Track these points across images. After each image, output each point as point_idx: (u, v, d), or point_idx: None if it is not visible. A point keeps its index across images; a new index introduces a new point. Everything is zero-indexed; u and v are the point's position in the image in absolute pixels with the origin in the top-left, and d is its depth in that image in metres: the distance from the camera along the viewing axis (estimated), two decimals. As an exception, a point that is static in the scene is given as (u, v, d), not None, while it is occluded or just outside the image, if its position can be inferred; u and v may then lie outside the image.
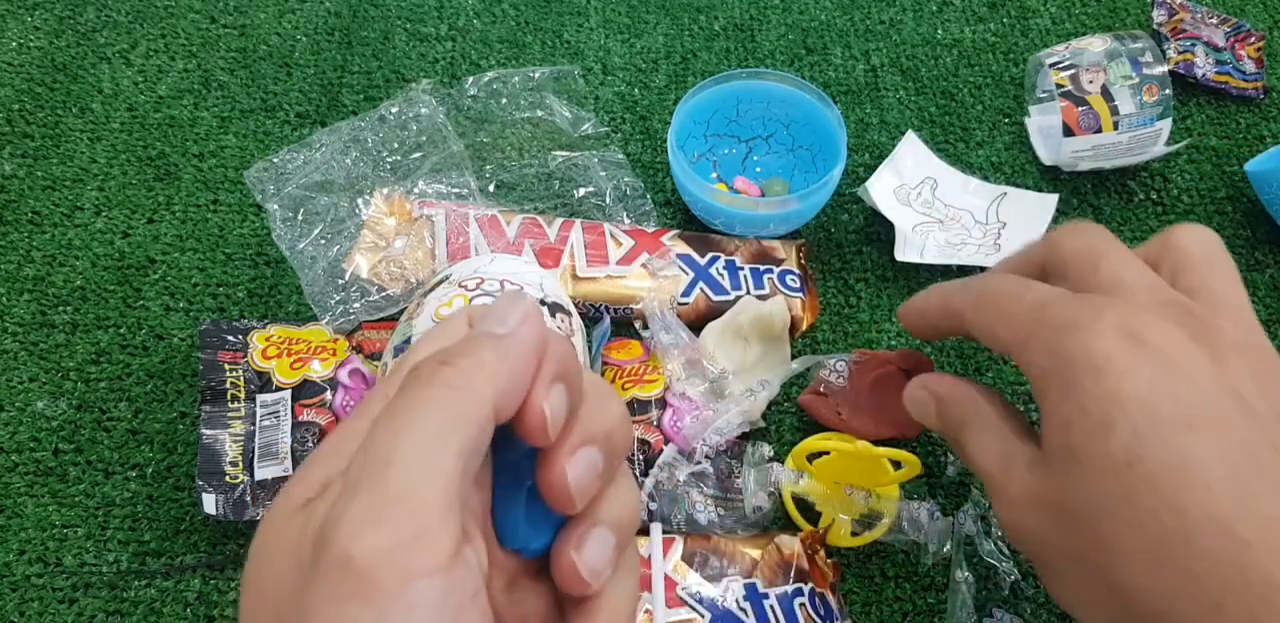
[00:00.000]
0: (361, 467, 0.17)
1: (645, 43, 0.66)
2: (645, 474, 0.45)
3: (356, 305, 0.49)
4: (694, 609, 0.39)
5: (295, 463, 0.44)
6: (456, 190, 0.54)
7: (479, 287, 0.43)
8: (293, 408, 0.45)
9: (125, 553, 0.45)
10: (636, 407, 0.46)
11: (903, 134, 0.58)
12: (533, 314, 0.20)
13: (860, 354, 0.45)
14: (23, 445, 0.48)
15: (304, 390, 0.46)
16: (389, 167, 0.56)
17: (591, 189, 0.56)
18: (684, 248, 0.52)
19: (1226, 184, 0.59)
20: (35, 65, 0.62)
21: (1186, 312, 0.27)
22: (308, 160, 0.55)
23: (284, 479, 0.44)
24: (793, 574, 0.41)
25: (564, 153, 0.57)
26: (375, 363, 0.48)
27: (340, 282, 0.49)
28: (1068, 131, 0.56)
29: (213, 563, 0.44)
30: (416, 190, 0.54)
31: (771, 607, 0.40)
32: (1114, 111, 0.55)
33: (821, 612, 0.40)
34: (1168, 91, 0.55)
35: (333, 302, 0.49)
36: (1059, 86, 0.56)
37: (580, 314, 0.48)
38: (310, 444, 0.44)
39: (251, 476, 0.44)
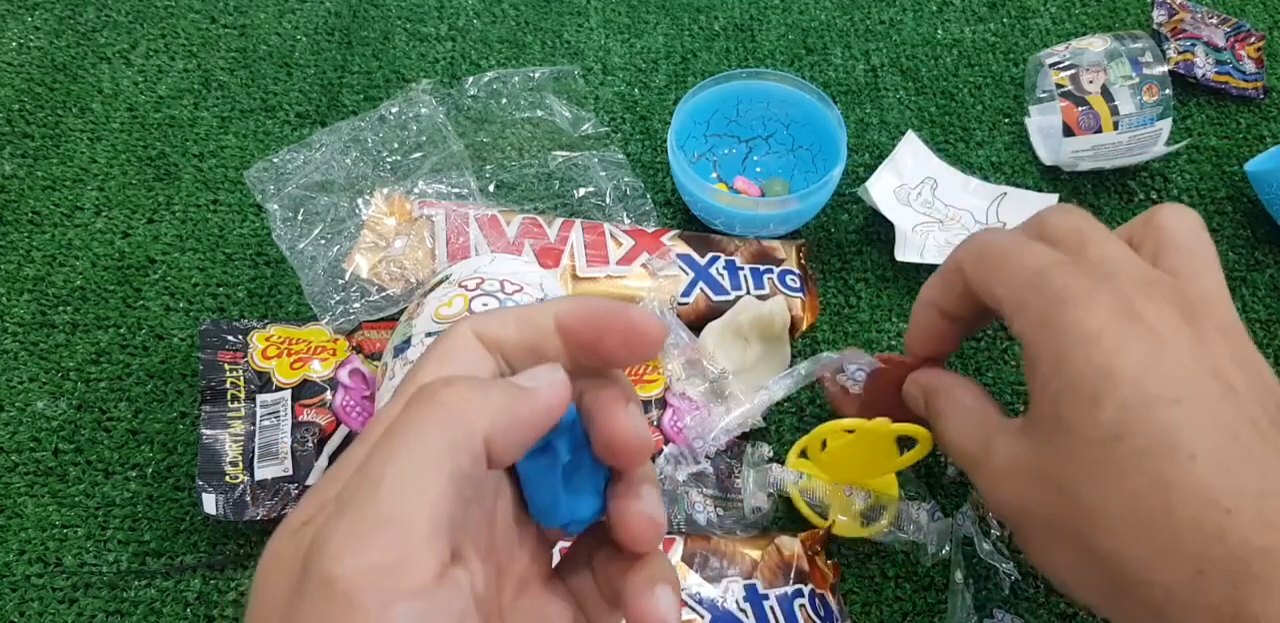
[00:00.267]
0: (353, 488, 0.18)
1: (645, 43, 0.66)
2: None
3: (356, 305, 0.49)
4: (694, 610, 0.39)
5: (295, 463, 0.44)
6: (456, 190, 0.54)
7: (479, 287, 0.43)
8: (293, 408, 0.45)
9: (125, 553, 0.45)
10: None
11: (903, 134, 0.58)
12: (562, 382, 0.20)
13: (881, 359, 0.43)
14: (23, 445, 0.48)
15: (304, 390, 0.46)
16: (389, 167, 0.56)
17: (591, 189, 0.56)
18: (684, 248, 0.52)
19: (1226, 184, 0.59)
20: (35, 65, 0.62)
21: (1175, 291, 0.28)
22: (308, 160, 0.55)
23: (284, 479, 0.44)
24: (793, 575, 0.41)
25: (564, 153, 0.57)
26: (375, 363, 0.48)
27: (340, 282, 0.49)
28: (1068, 131, 0.56)
29: (213, 563, 0.44)
30: (416, 190, 0.54)
31: (771, 608, 0.40)
32: (1114, 111, 0.55)
33: (821, 613, 0.40)
34: (1168, 91, 0.55)
35: (333, 302, 0.49)
36: (1059, 86, 0.56)
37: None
38: (310, 444, 0.44)
39: (251, 476, 0.44)
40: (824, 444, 0.44)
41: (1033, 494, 0.28)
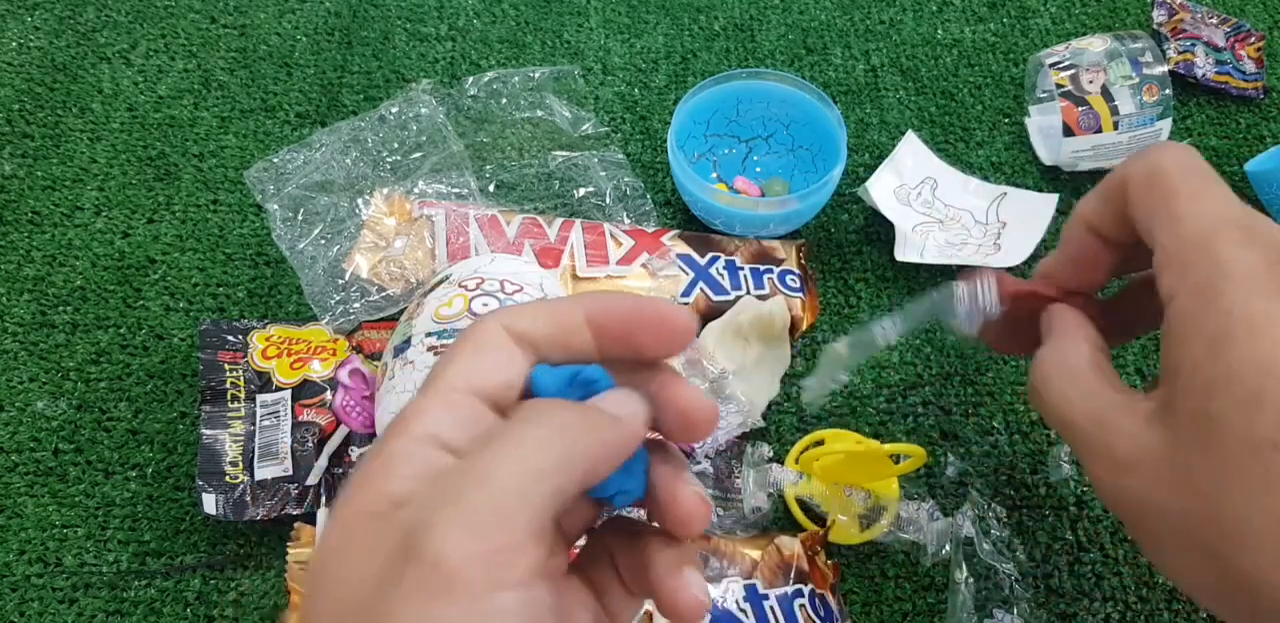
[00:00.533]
0: (459, 482, 0.18)
1: (645, 43, 0.66)
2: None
3: (356, 305, 0.49)
4: (694, 610, 0.39)
5: (295, 463, 0.44)
6: (456, 190, 0.54)
7: (479, 287, 0.43)
8: (293, 408, 0.45)
9: (125, 553, 0.45)
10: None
11: (903, 134, 0.58)
12: (646, 414, 0.21)
13: (1011, 294, 0.34)
14: (23, 445, 0.48)
15: (304, 390, 0.46)
16: (389, 167, 0.56)
17: (591, 189, 0.56)
18: (684, 248, 0.52)
19: (1226, 184, 0.59)
20: (35, 65, 0.62)
21: None
22: (308, 160, 0.55)
23: (283, 479, 0.44)
24: (793, 575, 0.41)
25: (564, 153, 0.57)
26: (375, 363, 0.48)
27: (340, 282, 0.49)
28: (1068, 131, 0.56)
29: (213, 563, 0.44)
30: (416, 190, 0.54)
31: (771, 608, 0.40)
32: (1114, 111, 0.55)
33: (821, 613, 0.40)
34: (1168, 91, 0.55)
35: (333, 302, 0.49)
36: (1059, 86, 0.56)
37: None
38: (310, 444, 0.44)
39: (251, 475, 0.44)
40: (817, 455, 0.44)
41: (1164, 494, 0.24)
